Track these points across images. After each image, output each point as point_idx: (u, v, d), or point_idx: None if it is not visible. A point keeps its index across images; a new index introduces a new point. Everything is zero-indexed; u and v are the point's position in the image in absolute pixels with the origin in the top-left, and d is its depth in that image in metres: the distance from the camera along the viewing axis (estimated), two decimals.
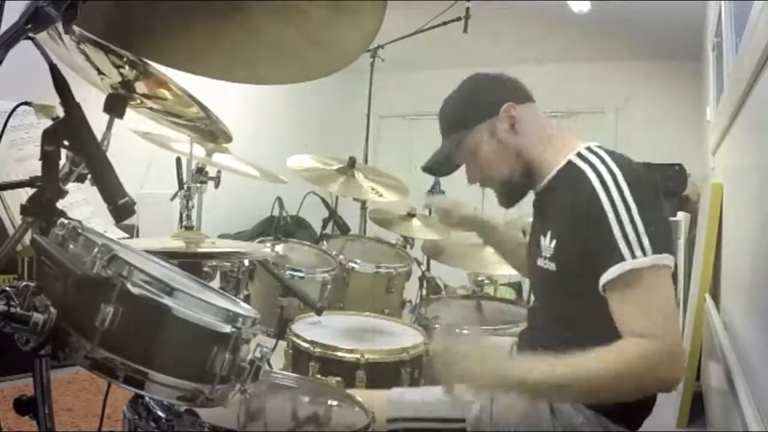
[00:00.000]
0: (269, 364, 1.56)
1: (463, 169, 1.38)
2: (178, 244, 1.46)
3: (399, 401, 1.25)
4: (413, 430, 1.22)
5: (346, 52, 0.98)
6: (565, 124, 5.07)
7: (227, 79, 1.09)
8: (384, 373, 1.52)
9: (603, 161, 1.15)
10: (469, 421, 1.21)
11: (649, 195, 1.11)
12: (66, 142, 0.89)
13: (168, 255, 1.29)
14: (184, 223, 1.56)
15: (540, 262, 1.24)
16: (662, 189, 1.18)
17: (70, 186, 0.96)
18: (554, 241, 1.20)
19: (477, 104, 1.30)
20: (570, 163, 1.21)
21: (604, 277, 1.08)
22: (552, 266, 1.20)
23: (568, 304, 1.19)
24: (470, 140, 1.30)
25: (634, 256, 1.05)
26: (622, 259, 1.06)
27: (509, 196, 1.33)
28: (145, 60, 1.09)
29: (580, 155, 1.20)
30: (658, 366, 1.03)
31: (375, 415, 1.09)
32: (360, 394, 1.29)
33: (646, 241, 1.06)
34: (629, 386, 1.05)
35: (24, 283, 0.74)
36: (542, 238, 1.23)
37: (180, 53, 1.04)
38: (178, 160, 1.67)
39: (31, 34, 0.80)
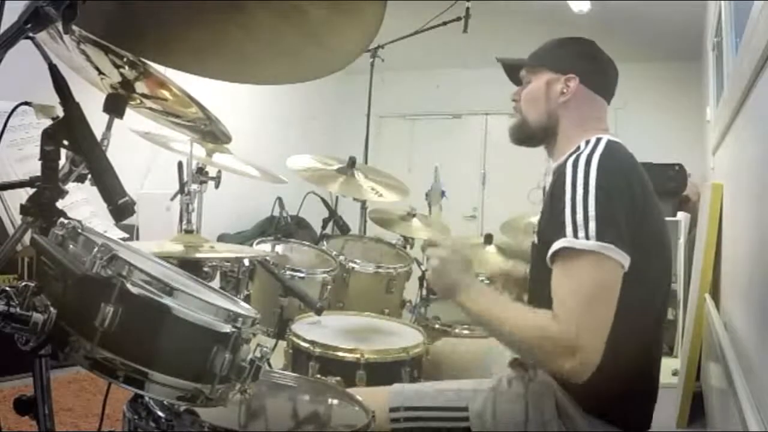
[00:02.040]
0: (269, 364, 1.56)
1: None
2: (177, 248, 1.46)
3: (401, 391, 1.27)
4: (414, 418, 1.22)
5: (346, 52, 0.98)
6: None
7: (228, 80, 1.09)
8: (384, 373, 1.52)
9: (594, 148, 1.17)
10: (472, 414, 1.21)
11: (617, 186, 1.11)
12: (66, 142, 0.90)
13: (167, 260, 1.29)
14: (184, 226, 1.56)
15: (533, 236, 1.32)
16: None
17: (70, 186, 0.97)
18: (539, 216, 1.28)
19: (557, 55, 1.37)
20: (578, 147, 1.23)
21: (549, 251, 1.10)
22: (536, 239, 1.27)
23: (544, 276, 1.18)
24: (532, 74, 1.38)
25: (576, 237, 1.06)
26: (564, 236, 1.07)
27: (519, 136, 1.40)
28: (146, 61, 1.09)
29: (587, 141, 1.22)
30: (553, 350, 1.05)
31: (377, 408, 1.11)
32: (362, 391, 1.30)
33: (592, 225, 1.06)
34: (530, 354, 1.14)
35: (24, 283, 0.74)
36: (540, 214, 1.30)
37: (181, 54, 1.04)
38: (180, 164, 1.67)
39: (30, 34, 0.80)
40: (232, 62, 1.06)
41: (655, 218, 1.19)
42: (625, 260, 1.07)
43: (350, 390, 1.29)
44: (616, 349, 1.07)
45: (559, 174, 1.18)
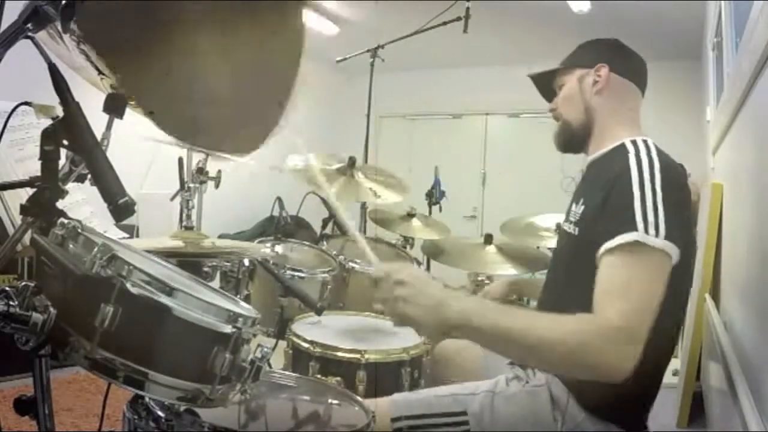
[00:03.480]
0: (269, 364, 1.56)
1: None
2: (177, 244, 1.46)
3: (403, 400, 1.27)
4: (416, 427, 1.23)
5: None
6: None
7: None
8: (384, 373, 1.52)
9: (649, 151, 1.17)
10: (470, 417, 1.21)
11: (678, 194, 1.12)
12: (66, 142, 0.89)
13: (168, 255, 1.29)
14: (184, 223, 1.56)
15: (565, 226, 1.30)
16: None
17: (70, 186, 0.96)
18: (582, 207, 1.24)
19: (585, 54, 1.40)
20: (623, 145, 1.23)
21: (609, 243, 1.06)
22: (575, 230, 1.24)
23: (582, 269, 1.15)
24: (565, 76, 1.40)
25: (647, 232, 1.04)
26: (634, 229, 1.05)
27: (563, 140, 1.40)
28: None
29: (634, 142, 1.22)
30: (603, 344, 0.98)
31: (379, 419, 1.09)
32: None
33: (663, 226, 1.05)
34: (570, 359, 0.99)
35: (24, 283, 0.74)
36: (574, 204, 1.28)
37: None
38: (180, 160, 1.67)
39: (30, 34, 0.80)
40: None
41: (691, 221, 1.19)
42: (677, 256, 1.07)
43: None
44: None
45: (616, 170, 1.16)
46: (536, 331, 1.00)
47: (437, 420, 1.22)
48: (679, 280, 1.11)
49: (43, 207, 0.90)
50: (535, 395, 1.19)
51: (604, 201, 1.14)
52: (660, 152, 1.18)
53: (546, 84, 1.47)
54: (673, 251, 1.05)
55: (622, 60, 1.36)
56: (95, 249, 0.75)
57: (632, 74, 1.35)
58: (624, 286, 1.03)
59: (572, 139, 1.37)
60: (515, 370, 1.26)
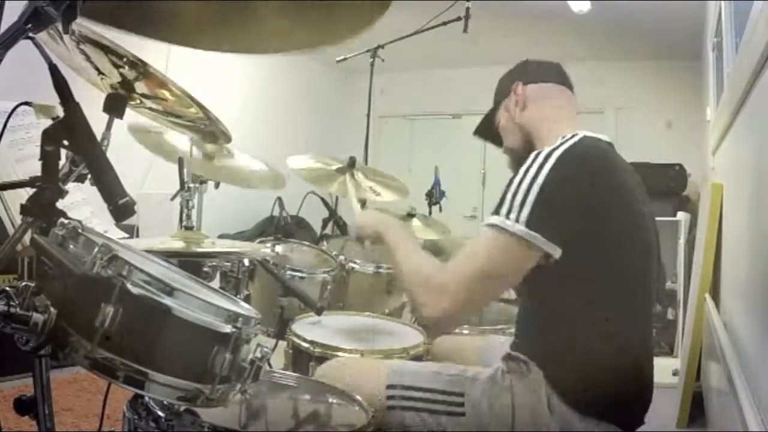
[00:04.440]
0: (269, 364, 1.56)
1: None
2: (178, 244, 1.46)
3: (400, 370, 1.28)
4: (410, 398, 1.22)
5: (341, 32, 1.00)
6: None
7: (240, 52, 1.10)
8: None
9: (562, 143, 1.19)
10: (468, 401, 1.21)
11: (567, 182, 1.13)
12: (66, 142, 0.89)
13: (168, 255, 1.29)
14: (184, 223, 1.55)
15: None
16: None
17: (70, 186, 0.96)
18: None
19: (501, 85, 1.47)
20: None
21: (484, 221, 1.17)
22: None
23: None
24: (497, 115, 1.48)
25: (507, 218, 1.12)
26: (498, 213, 1.14)
27: (516, 166, 1.42)
28: (144, 60, 1.09)
29: (563, 137, 1.23)
30: (425, 287, 1.19)
31: (375, 381, 1.21)
32: (362, 364, 1.35)
33: (525, 214, 1.10)
34: (408, 289, 1.26)
35: (24, 283, 0.74)
36: None
37: (184, 31, 1.04)
38: (181, 160, 1.67)
39: (30, 34, 0.80)
40: (252, 33, 1.06)
41: (626, 217, 1.19)
42: (554, 250, 1.11)
43: (351, 359, 1.40)
44: (590, 344, 1.15)
45: None
46: (407, 264, 1.26)
47: (433, 396, 1.22)
48: (608, 274, 1.16)
49: (43, 207, 0.90)
50: (528, 391, 1.19)
51: None
52: (577, 144, 1.19)
53: (493, 133, 1.51)
54: (536, 240, 1.10)
55: (533, 70, 1.42)
56: (95, 249, 0.75)
57: (548, 76, 1.40)
58: (468, 253, 1.18)
59: (522, 161, 1.37)
60: (509, 364, 1.26)
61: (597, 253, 1.14)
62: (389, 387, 1.23)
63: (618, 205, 1.18)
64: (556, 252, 1.11)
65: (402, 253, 1.29)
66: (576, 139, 1.21)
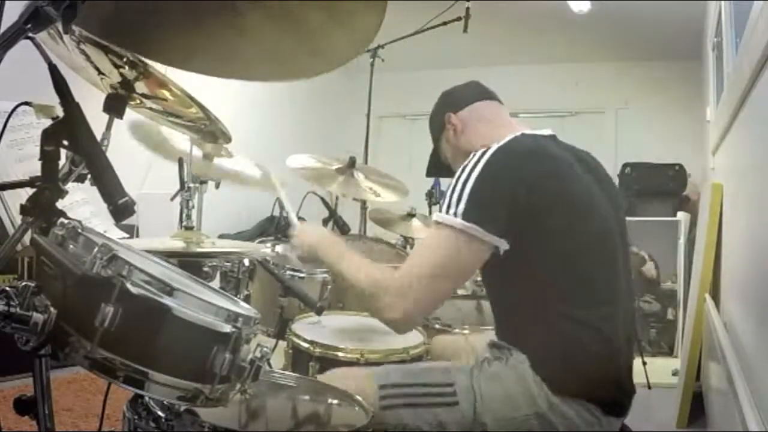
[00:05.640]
0: (269, 364, 1.56)
1: None
2: (178, 244, 1.46)
3: (385, 371, 1.30)
4: (403, 395, 1.23)
5: (338, 58, 1.00)
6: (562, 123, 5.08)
7: (216, 75, 1.10)
8: None
9: (489, 149, 1.24)
10: (459, 388, 1.22)
11: (497, 175, 1.20)
12: (66, 142, 0.89)
13: (168, 255, 1.29)
14: (184, 223, 1.55)
15: None
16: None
17: (70, 186, 0.96)
18: None
19: (434, 122, 1.55)
20: None
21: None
22: None
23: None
24: (441, 150, 1.55)
25: (447, 212, 1.18)
26: (439, 210, 1.21)
27: None
28: (144, 60, 1.09)
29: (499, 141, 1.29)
30: (384, 296, 1.21)
31: (366, 386, 1.21)
32: (349, 371, 1.35)
33: (462, 205, 1.17)
34: (364, 299, 1.28)
35: (24, 283, 0.74)
36: None
37: (171, 51, 1.04)
38: (181, 160, 1.67)
39: (30, 34, 0.80)
40: (222, 60, 1.06)
41: (568, 202, 1.22)
42: (498, 242, 1.17)
43: (338, 369, 1.38)
44: (560, 327, 1.19)
45: None
46: (358, 273, 1.29)
47: (424, 389, 1.23)
48: (551, 261, 1.20)
49: (43, 207, 0.90)
50: (512, 377, 1.20)
51: None
52: (511, 141, 1.26)
53: (443, 168, 1.56)
54: (476, 231, 1.16)
55: (457, 97, 1.51)
56: (95, 249, 0.75)
57: (472, 97, 1.48)
58: (416, 251, 1.30)
59: None
60: (493, 351, 1.27)
61: (541, 241, 1.20)
62: (381, 387, 1.23)
63: (558, 192, 1.22)
64: (502, 244, 1.18)
65: (348, 264, 1.32)
66: (511, 137, 1.28)
